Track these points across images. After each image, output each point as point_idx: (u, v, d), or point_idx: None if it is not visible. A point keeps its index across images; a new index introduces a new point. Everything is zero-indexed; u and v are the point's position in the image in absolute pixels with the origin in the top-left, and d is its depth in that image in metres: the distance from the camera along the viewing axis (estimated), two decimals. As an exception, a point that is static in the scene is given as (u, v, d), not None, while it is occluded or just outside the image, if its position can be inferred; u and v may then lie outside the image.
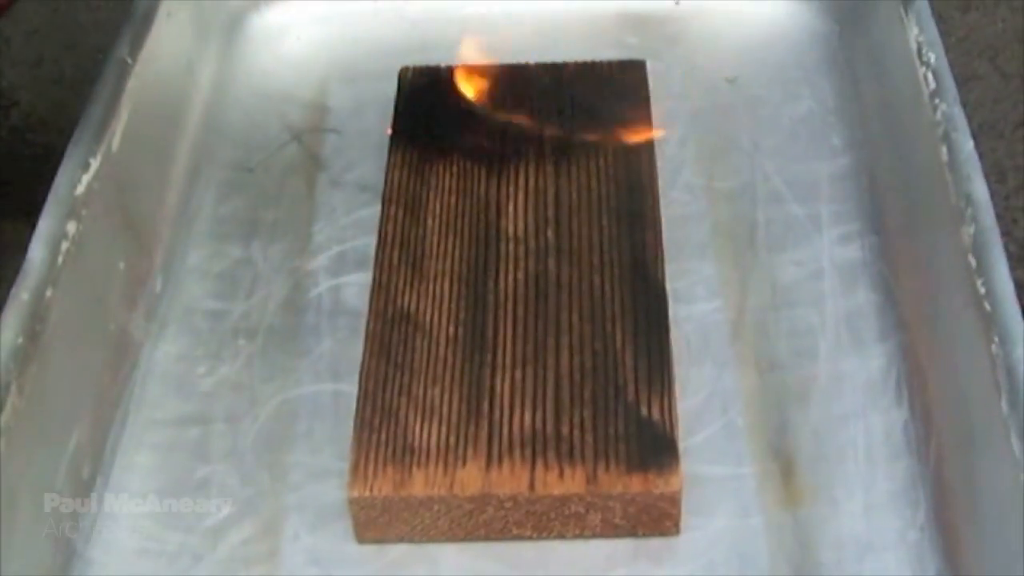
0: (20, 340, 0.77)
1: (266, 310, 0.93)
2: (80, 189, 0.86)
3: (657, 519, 0.79)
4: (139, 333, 0.91)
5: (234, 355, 0.91)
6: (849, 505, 0.81)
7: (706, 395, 0.86)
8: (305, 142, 1.05)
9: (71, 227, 0.84)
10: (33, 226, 0.84)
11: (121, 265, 0.91)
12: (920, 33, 0.92)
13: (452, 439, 0.80)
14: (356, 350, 0.87)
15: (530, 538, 0.80)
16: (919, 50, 0.92)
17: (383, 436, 0.80)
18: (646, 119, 0.99)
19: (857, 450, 0.83)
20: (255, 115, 1.07)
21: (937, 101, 0.89)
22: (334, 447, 0.84)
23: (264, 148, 1.04)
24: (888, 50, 0.99)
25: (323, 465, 0.84)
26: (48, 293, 0.81)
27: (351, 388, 0.85)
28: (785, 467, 0.83)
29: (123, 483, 0.84)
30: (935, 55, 0.91)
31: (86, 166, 0.87)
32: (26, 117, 1.16)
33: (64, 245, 0.83)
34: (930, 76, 0.90)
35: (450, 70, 1.04)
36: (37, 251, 0.82)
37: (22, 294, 0.79)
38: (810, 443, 0.84)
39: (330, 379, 0.89)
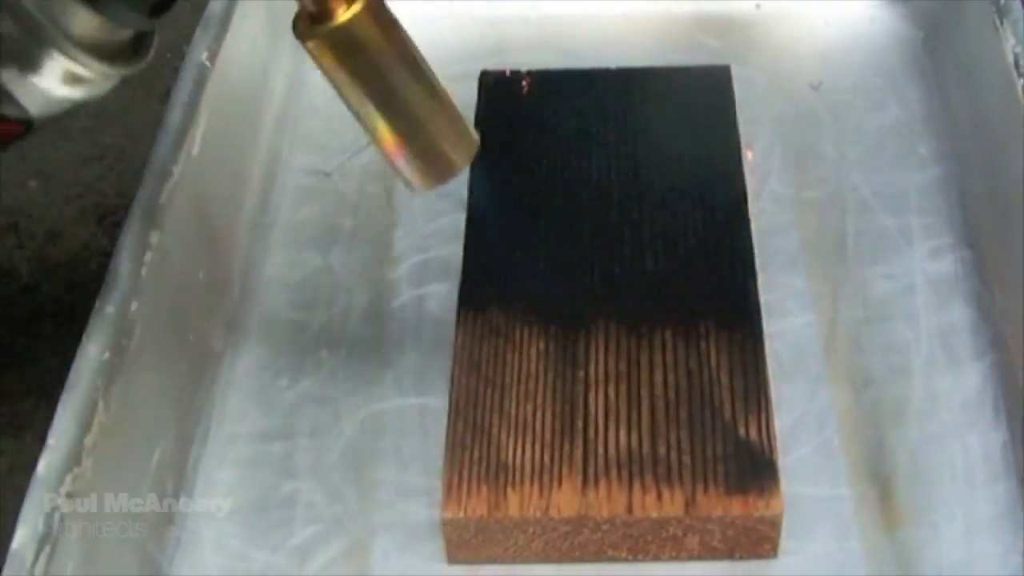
0: (107, 355, 0.76)
1: (348, 320, 0.92)
2: (162, 198, 0.84)
3: (756, 542, 0.77)
4: (219, 344, 0.90)
5: (316, 367, 0.89)
6: (949, 529, 0.79)
7: (800, 413, 0.85)
8: (382, 147, 1.03)
9: (154, 237, 0.82)
10: (107, 231, 0.83)
11: (200, 275, 0.89)
12: (1017, 44, 0.90)
13: (547, 458, 0.78)
14: (441, 363, 0.86)
15: (625, 560, 0.78)
16: (1016, 62, 0.89)
17: (476, 455, 0.79)
18: (732, 126, 0.97)
19: (956, 472, 0.82)
20: (330, 119, 1.05)
21: (1036, 115, 0.87)
22: (422, 464, 0.83)
23: (340, 153, 1.02)
24: (980, 60, 0.97)
25: (411, 482, 0.83)
26: (133, 306, 0.79)
27: (437, 402, 0.84)
28: (883, 488, 0.81)
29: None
30: (1033, 67, 0.89)
31: (168, 174, 0.85)
32: (95, 118, 1.14)
33: (148, 256, 0.81)
34: (1029, 88, 0.88)
35: (530, 75, 1.02)
36: (122, 262, 0.80)
37: (108, 307, 0.78)
38: (907, 464, 0.82)
39: (415, 393, 0.87)
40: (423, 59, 0.74)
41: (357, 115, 0.74)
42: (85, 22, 0.65)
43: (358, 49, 0.71)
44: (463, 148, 0.76)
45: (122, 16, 0.67)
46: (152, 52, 0.71)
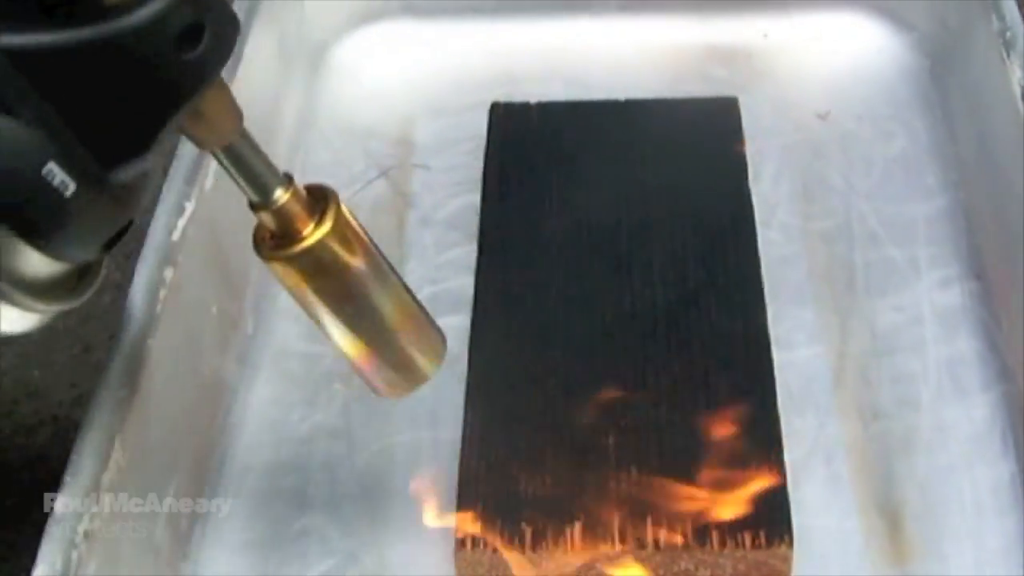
0: (123, 392, 0.76)
1: (360, 353, 0.92)
2: (176, 235, 0.85)
3: (767, 576, 0.78)
4: (233, 378, 0.91)
5: (329, 400, 0.90)
6: (958, 561, 0.80)
7: (810, 445, 0.85)
8: (393, 178, 1.03)
9: (168, 273, 0.83)
10: (120, 265, 0.83)
11: (214, 309, 0.90)
12: (1023, 76, 0.91)
13: (559, 492, 0.79)
14: (454, 395, 0.86)
15: (637, 595, 0.79)
16: (1023, 94, 0.90)
17: (489, 488, 0.79)
18: (740, 158, 0.97)
19: (964, 504, 0.82)
20: (341, 151, 1.05)
21: (1044, 148, 0.87)
22: (435, 497, 0.83)
23: (351, 184, 1.02)
24: (987, 91, 0.97)
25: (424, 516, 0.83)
26: (149, 342, 0.79)
27: (449, 435, 0.84)
28: (892, 521, 0.82)
29: (221, 533, 0.84)
30: (1040, 101, 0.90)
31: (181, 210, 0.86)
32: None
33: (162, 292, 0.82)
34: (1035, 122, 0.88)
35: (540, 107, 1.02)
36: (137, 300, 0.80)
37: (124, 345, 0.78)
38: (916, 496, 0.83)
39: (428, 426, 0.88)
40: (391, 266, 0.71)
41: (322, 329, 0.70)
42: (29, 263, 0.55)
43: (324, 269, 0.66)
44: (431, 355, 0.73)
45: (74, 255, 0.57)
46: (100, 279, 0.61)
